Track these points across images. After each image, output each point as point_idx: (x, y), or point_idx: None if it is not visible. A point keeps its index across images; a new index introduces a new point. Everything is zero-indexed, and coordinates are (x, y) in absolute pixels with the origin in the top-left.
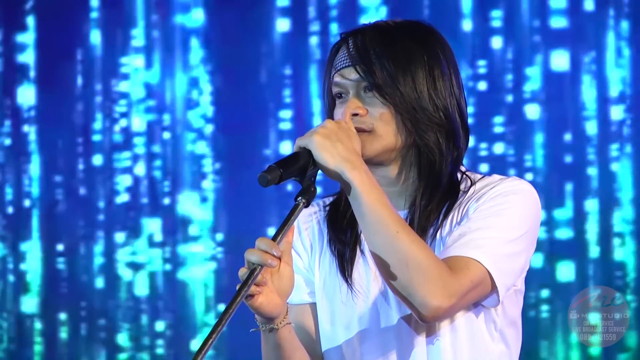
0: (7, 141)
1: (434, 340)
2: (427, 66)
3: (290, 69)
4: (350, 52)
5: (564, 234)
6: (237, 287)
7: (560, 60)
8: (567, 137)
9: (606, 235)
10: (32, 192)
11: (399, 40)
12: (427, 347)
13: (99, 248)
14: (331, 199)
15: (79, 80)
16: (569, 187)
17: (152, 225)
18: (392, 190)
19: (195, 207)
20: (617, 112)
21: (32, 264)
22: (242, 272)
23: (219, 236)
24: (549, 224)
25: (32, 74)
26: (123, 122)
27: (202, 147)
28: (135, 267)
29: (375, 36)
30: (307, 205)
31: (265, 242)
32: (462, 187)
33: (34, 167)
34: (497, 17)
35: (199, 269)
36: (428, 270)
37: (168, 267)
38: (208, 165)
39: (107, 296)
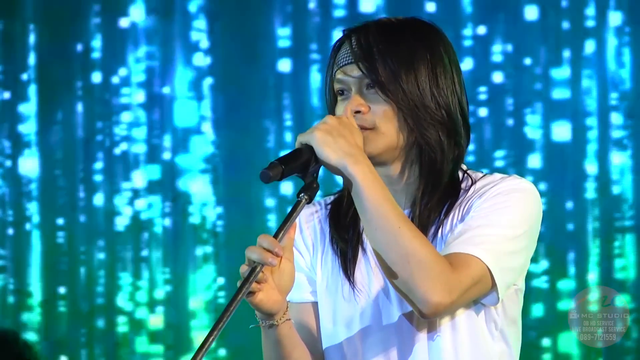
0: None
1: (434, 337)
2: (430, 64)
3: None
4: (353, 49)
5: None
6: (238, 285)
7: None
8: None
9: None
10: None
11: (402, 38)
12: (428, 344)
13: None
14: (332, 197)
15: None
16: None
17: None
18: (393, 189)
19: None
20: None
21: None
22: (243, 269)
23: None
24: None
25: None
26: (124, 146)
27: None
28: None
29: (378, 33)
30: (309, 202)
31: (267, 239)
32: (463, 185)
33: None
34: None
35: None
36: (429, 266)
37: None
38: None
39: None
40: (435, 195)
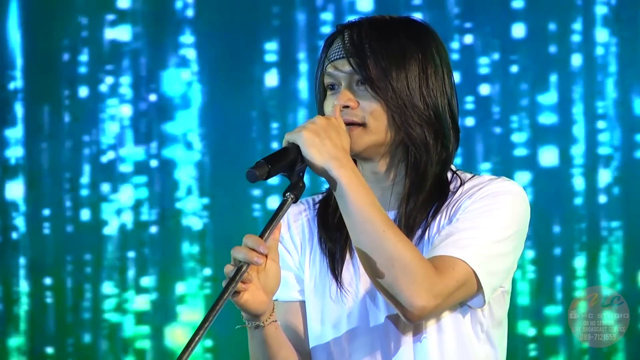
0: None
1: (420, 339)
2: (421, 63)
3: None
4: (345, 45)
5: None
6: (224, 285)
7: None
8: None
9: None
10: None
11: (395, 36)
12: (413, 346)
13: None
14: (320, 196)
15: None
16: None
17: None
18: (381, 187)
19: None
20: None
21: None
22: (229, 269)
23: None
24: None
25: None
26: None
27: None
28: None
29: (371, 30)
30: (295, 201)
31: (252, 239)
32: (451, 186)
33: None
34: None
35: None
36: (414, 270)
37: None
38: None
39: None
40: (420, 196)
